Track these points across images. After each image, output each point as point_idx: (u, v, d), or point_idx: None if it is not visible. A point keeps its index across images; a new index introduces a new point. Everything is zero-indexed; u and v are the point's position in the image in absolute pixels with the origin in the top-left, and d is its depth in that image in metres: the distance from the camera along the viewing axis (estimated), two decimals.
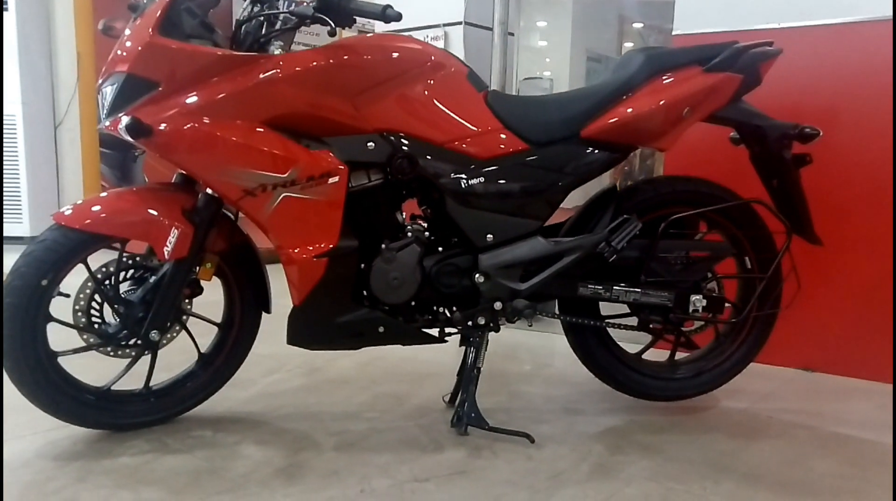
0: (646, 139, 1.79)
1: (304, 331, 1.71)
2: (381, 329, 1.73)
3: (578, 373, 2.09)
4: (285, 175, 1.55)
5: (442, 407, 1.99)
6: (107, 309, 1.68)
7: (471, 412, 1.76)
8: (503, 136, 1.74)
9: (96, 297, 1.66)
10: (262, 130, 1.56)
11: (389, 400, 2.05)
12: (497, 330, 1.81)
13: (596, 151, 1.78)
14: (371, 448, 1.70)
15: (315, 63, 1.58)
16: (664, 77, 1.77)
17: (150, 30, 1.52)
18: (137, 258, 1.69)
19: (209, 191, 1.64)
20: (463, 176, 1.71)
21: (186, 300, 1.75)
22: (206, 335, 1.87)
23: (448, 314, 1.80)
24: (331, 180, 1.59)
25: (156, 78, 1.53)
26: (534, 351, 2.63)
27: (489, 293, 1.75)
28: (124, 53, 1.55)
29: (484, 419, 1.77)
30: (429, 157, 1.69)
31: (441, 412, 1.95)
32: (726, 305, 1.93)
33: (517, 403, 2.05)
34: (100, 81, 1.62)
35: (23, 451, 1.63)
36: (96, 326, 1.66)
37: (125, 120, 1.46)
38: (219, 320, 1.87)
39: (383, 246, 1.70)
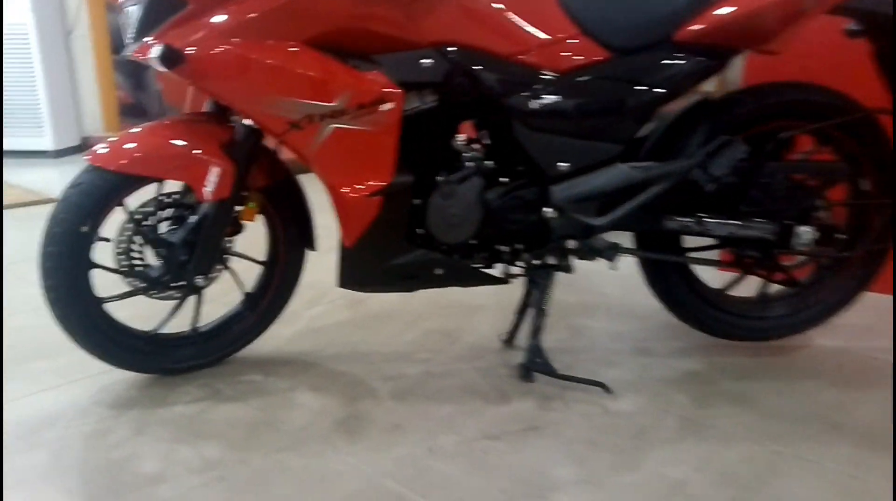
0: (754, 41, 1.63)
1: (356, 274, 1.68)
2: (438, 271, 1.69)
3: (642, 304, 2.04)
4: (333, 104, 1.48)
5: (498, 347, 1.98)
6: (149, 251, 1.67)
7: (536, 358, 1.74)
8: (580, 43, 1.62)
9: (136, 239, 1.65)
10: (303, 50, 1.47)
11: (440, 338, 2.04)
12: (569, 271, 1.75)
13: (691, 57, 1.64)
14: (430, 396, 1.71)
15: None
16: None
17: None
18: (176, 196, 1.66)
19: (247, 121, 1.58)
20: (533, 94, 1.60)
21: (228, 239, 1.73)
22: (248, 272, 1.86)
23: (511, 253, 1.74)
24: (384, 107, 1.51)
25: None
26: (589, 277, 2.56)
27: (561, 230, 1.68)
28: None
29: (551, 365, 1.75)
30: (493, 73, 1.58)
31: (498, 354, 1.94)
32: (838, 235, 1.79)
33: (580, 341, 2.02)
34: (121, 0, 1.54)
35: (78, 398, 1.69)
36: (139, 269, 1.66)
37: (157, 49, 1.39)
38: (262, 258, 1.86)
39: (440, 179, 1.63)
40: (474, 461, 1.45)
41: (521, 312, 1.95)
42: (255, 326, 1.88)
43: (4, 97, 4.82)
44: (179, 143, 1.56)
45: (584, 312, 2.23)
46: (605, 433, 1.55)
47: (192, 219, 1.66)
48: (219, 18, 1.44)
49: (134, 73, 5.22)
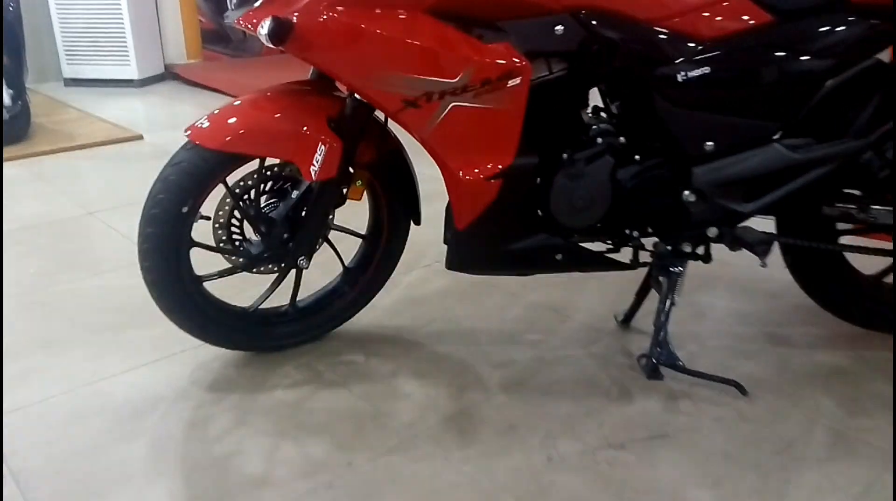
0: None
1: (467, 258, 1.58)
2: (558, 256, 1.56)
3: (771, 277, 1.86)
4: (455, 80, 1.33)
5: (614, 328, 1.86)
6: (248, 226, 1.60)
7: (662, 352, 1.60)
8: (736, 5, 1.42)
9: (236, 214, 1.57)
10: (422, 19, 1.32)
11: (548, 315, 1.93)
12: (707, 260, 1.59)
13: (866, 20, 1.41)
14: (544, 389, 1.61)
15: None
16: None
17: None
18: (276, 169, 1.57)
19: (358, 95, 1.45)
20: (680, 64, 1.41)
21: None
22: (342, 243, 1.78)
23: (640, 237, 1.59)
24: (510, 83, 1.35)
25: None
26: None
27: (702, 216, 1.52)
28: None
29: (678, 358, 1.62)
30: (634, 40, 1.40)
31: (615, 337, 1.82)
32: None
33: (704, 324, 1.88)
34: None
35: (177, 376, 1.67)
36: (238, 245, 1.59)
37: (266, 24, 1.26)
38: (362, 231, 1.78)
39: (565, 156, 1.48)
40: (599, 475, 1.35)
41: (642, 293, 1.82)
42: (354, 302, 1.81)
43: (92, 26, 4.81)
44: (284, 118, 1.44)
45: (704, 286, 2.06)
46: (744, 447, 1.41)
47: (295, 194, 1.57)
48: None
49: None
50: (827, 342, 1.78)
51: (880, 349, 1.73)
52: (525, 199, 1.49)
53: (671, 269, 1.61)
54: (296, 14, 1.29)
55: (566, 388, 1.62)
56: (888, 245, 1.66)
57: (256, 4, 1.35)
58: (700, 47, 1.42)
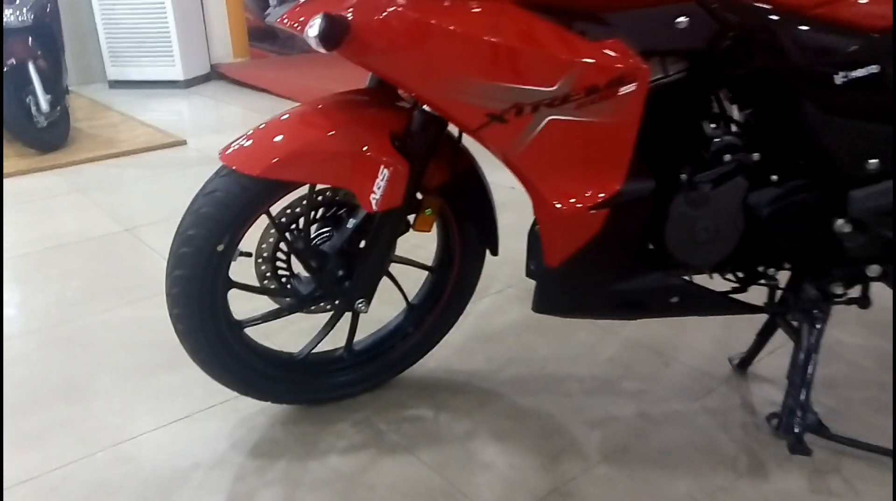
0: None
1: (561, 300, 1.32)
2: (674, 299, 1.29)
3: None
4: (553, 88, 1.07)
5: (728, 373, 1.60)
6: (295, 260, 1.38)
7: (807, 416, 1.32)
8: None
9: (282, 247, 1.35)
10: (512, 12, 1.06)
11: (648, 357, 1.67)
12: (865, 305, 1.30)
13: None
14: (655, 458, 1.36)
15: None
16: None
17: None
18: (328, 194, 1.34)
19: (428, 108, 1.20)
20: (839, 62, 1.13)
21: None
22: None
23: (774, 274, 1.31)
24: (623, 90, 1.08)
25: None
26: None
27: (859, 250, 1.24)
28: None
29: (822, 422, 1.33)
30: (779, 33, 1.12)
31: (731, 385, 1.55)
32: None
33: (836, 367, 1.60)
34: None
35: (215, 436, 1.46)
36: (284, 282, 1.37)
37: (317, 24, 1.01)
38: (429, 262, 1.55)
39: (684, 178, 1.21)
40: None
41: (765, 334, 1.55)
42: (420, 345, 1.58)
43: (136, 27, 4.69)
44: (339, 137, 1.20)
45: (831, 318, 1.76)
46: None
47: (351, 222, 1.34)
48: None
49: None
50: None
51: None
52: (636, 231, 1.23)
53: (815, 315, 1.32)
54: (351, 10, 1.05)
55: (681, 457, 1.35)
56: None
57: (302, 0, 1.11)
58: (866, 41, 1.13)
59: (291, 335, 1.66)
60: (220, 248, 1.24)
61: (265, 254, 1.35)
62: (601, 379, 1.60)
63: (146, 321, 1.92)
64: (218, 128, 3.94)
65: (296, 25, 1.09)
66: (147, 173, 3.24)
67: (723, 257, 1.26)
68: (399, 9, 1.04)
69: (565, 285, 1.29)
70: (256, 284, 1.37)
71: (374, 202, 1.21)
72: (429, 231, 1.37)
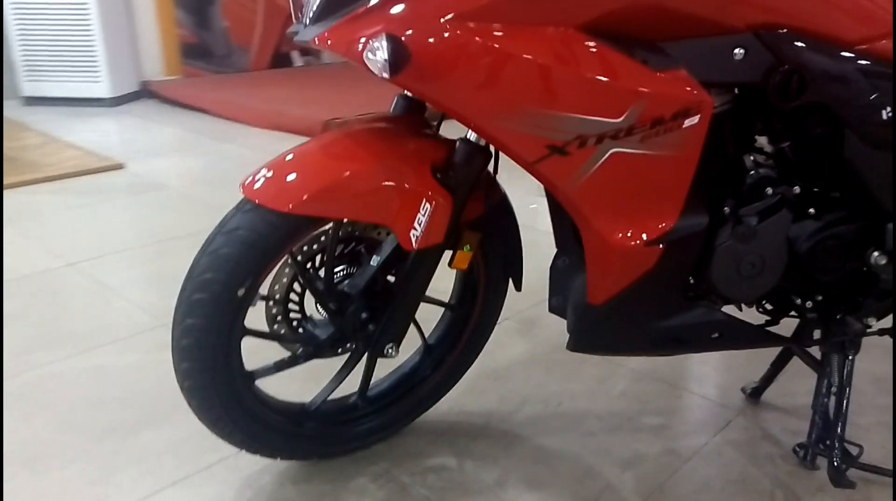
0: None
1: (603, 339, 1.28)
2: (715, 334, 1.27)
3: None
4: (620, 120, 1.03)
5: (741, 403, 1.61)
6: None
7: (839, 455, 1.33)
8: None
9: (295, 287, 1.26)
10: (578, 39, 1.02)
11: (659, 389, 1.66)
12: None
13: None
14: (695, 497, 1.34)
15: None
16: None
17: None
18: (349, 229, 1.27)
19: (474, 137, 1.15)
20: (888, 100, 1.14)
21: None
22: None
23: (810, 307, 1.32)
24: (687, 122, 1.06)
25: None
26: None
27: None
28: None
29: (850, 454, 1.34)
30: (833, 67, 1.12)
31: (748, 416, 1.56)
32: None
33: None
34: None
35: None
36: (297, 327, 1.28)
37: (385, 46, 0.94)
38: (444, 298, 1.48)
39: (727, 211, 1.20)
40: None
41: (780, 363, 1.56)
42: (437, 388, 1.51)
43: (57, 37, 4.43)
44: (378, 169, 1.13)
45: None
46: None
47: (374, 260, 1.26)
48: None
49: (197, 8, 4.77)
50: None
51: None
52: (686, 268, 1.21)
53: (848, 349, 1.33)
54: (410, 31, 0.98)
55: (719, 494, 1.34)
56: None
57: (347, 16, 1.03)
58: None
59: (282, 380, 1.56)
60: (241, 292, 1.14)
61: (278, 295, 1.26)
62: (620, 416, 1.57)
63: (110, 371, 1.76)
64: (157, 151, 3.75)
65: (346, 47, 1.01)
66: (83, 201, 3.03)
67: (766, 290, 1.25)
68: (461, 32, 0.98)
69: (608, 324, 1.26)
70: (267, 329, 1.27)
71: (414, 239, 1.15)
72: (465, 269, 1.31)
